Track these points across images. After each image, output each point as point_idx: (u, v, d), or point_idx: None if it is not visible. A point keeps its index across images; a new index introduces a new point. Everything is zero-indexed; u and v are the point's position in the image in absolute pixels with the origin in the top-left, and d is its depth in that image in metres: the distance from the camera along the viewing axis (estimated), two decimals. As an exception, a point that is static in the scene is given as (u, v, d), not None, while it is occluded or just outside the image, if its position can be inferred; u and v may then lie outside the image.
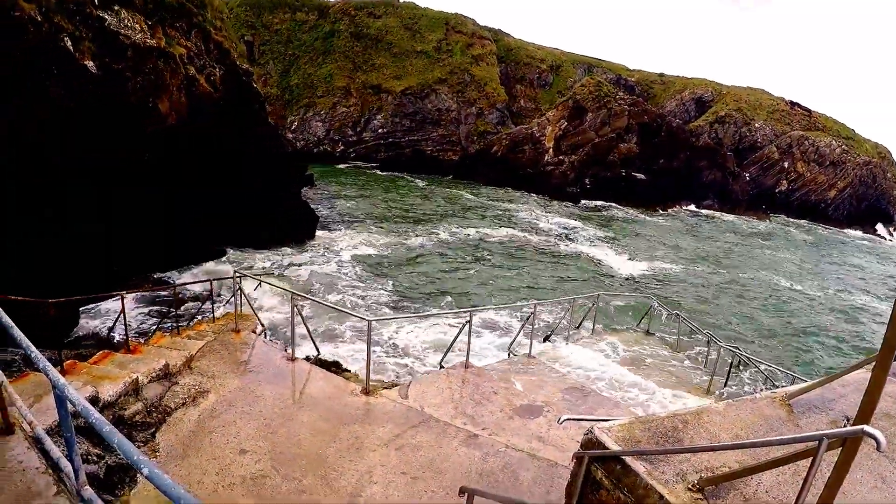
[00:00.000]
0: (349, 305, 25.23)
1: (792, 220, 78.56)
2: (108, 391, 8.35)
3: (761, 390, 14.38)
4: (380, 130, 79.96)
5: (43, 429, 4.55)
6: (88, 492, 3.51)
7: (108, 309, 21.30)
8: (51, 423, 6.26)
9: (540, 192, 67.33)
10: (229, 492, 7.29)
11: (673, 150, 72.01)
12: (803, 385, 5.54)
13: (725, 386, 16.25)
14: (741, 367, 19.00)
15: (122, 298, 12.06)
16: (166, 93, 27.54)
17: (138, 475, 7.31)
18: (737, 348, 17.15)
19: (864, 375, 5.29)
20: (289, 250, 33.56)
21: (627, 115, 70.13)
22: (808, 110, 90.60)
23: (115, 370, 9.39)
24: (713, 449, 4.20)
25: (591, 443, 4.57)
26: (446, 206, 54.87)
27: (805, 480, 3.09)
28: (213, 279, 15.67)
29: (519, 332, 16.56)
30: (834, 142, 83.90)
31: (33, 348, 3.54)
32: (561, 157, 70.17)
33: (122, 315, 11.99)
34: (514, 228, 47.82)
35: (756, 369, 18.52)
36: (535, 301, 17.59)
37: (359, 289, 28.69)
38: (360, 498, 7.43)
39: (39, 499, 4.34)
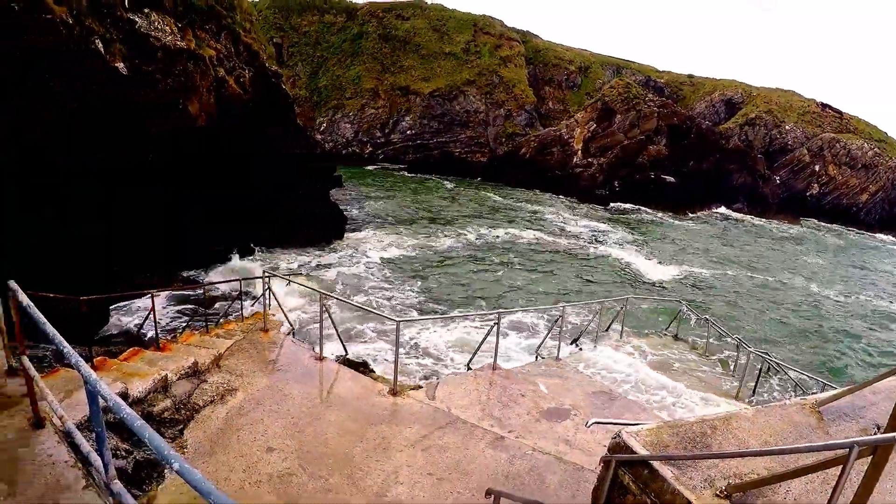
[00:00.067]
0: (375, 306, 25.26)
1: (823, 224, 77.10)
2: (137, 388, 8.42)
3: (791, 397, 14.23)
4: (408, 132, 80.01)
5: (73, 423, 4.54)
6: (117, 486, 3.51)
7: (139, 307, 21.51)
8: (80, 418, 6.32)
9: (568, 195, 66.94)
10: (256, 489, 7.32)
11: (702, 153, 71.29)
12: (833, 392, 5.46)
13: (754, 392, 16.06)
14: (770, 373, 18.79)
15: (153, 297, 12.19)
16: (196, 94, 27.79)
17: (166, 471, 7.43)
18: (766, 354, 16.91)
19: (895, 383, 5.19)
20: (317, 250, 33.73)
21: (657, 117, 69.54)
22: (840, 112, 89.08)
23: (144, 367, 9.47)
24: (742, 455, 4.18)
25: (618, 447, 4.55)
26: (474, 207, 54.81)
27: (834, 489, 3.04)
28: (242, 279, 15.75)
29: (547, 334, 16.36)
30: (866, 144, 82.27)
31: (65, 344, 3.56)
32: (590, 160, 69.78)
33: (151, 313, 12.14)
34: (542, 231, 47.64)
35: (785, 376, 18.28)
36: (564, 303, 17.48)
37: (386, 290, 28.75)
38: (386, 498, 7.43)
39: (68, 492, 4.38)
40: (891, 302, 41.98)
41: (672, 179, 69.48)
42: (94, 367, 9.75)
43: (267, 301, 13.35)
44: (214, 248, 28.11)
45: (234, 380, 10.17)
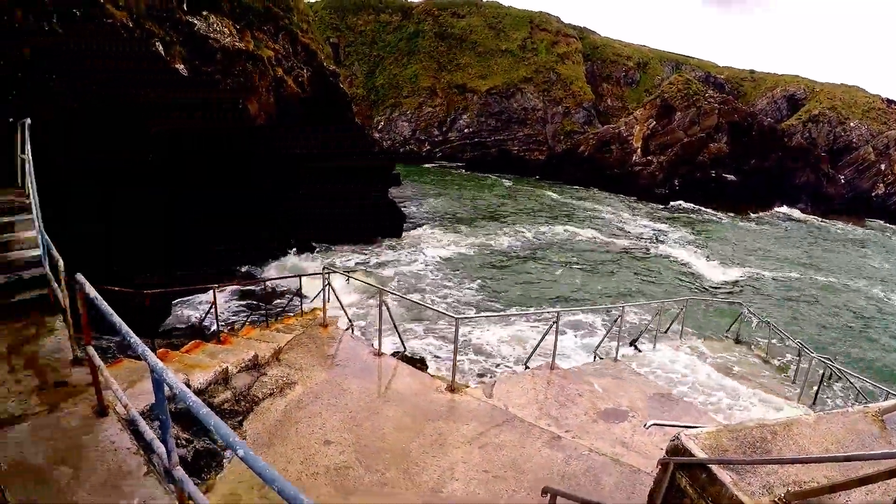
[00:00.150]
0: (431, 303, 25.27)
1: (889, 225, 74.06)
2: (198, 379, 8.55)
3: (853, 404, 13.84)
4: (465, 130, 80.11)
5: (137, 412, 4.61)
6: (179, 472, 3.57)
7: (200, 301, 21.94)
8: (143, 408, 6.43)
9: (627, 193, 66.15)
10: (313, 481, 7.36)
11: (764, 151, 69.54)
12: (898, 400, 5.32)
13: (816, 398, 15.56)
14: (833, 380, 18.20)
15: (214, 292, 12.38)
16: (255, 94, 28.25)
17: (225, 460, 7.56)
18: (829, 360, 16.35)
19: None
20: (375, 248, 34.00)
21: (717, 114, 68.18)
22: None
23: (205, 359, 9.61)
24: (802, 461, 4.14)
25: (677, 449, 4.51)
26: (532, 206, 54.57)
27: (896, 499, 2.92)
28: (302, 275, 15.93)
29: (605, 334, 16.14)
30: (935, 143, 79.36)
31: (132, 334, 3.61)
32: (649, 158, 68.84)
33: (213, 307, 12.34)
34: (600, 230, 47.18)
35: (848, 383, 17.67)
36: (623, 304, 17.24)
37: (443, 287, 28.81)
38: (442, 494, 7.42)
39: (130, 478, 4.48)
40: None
41: (733, 178, 68.00)
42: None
43: (326, 297, 13.39)
44: (272, 244, 28.50)
45: (294, 373, 10.26)
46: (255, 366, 10.03)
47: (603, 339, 15.98)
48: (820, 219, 69.61)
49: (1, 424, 5.22)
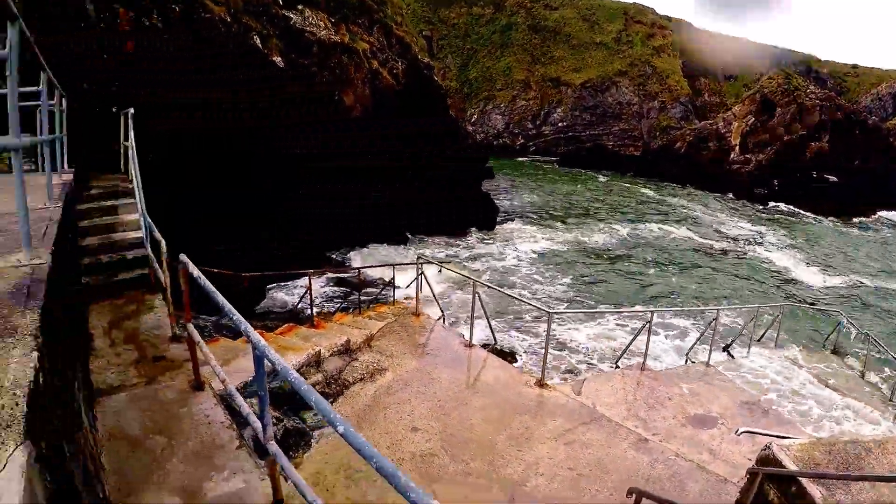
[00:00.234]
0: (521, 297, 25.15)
1: None
2: (291, 360, 8.74)
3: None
4: (559, 124, 79.46)
5: (234, 387, 4.72)
6: (273, 446, 3.66)
7: (294, 286, 22.52)
8: (237, 385, 6.55)
9: (724, 192, 63.74)
10: (398, 466, 7.31)
11: (868, 151, 65.66)
12: None
13: (915, 418, 14.73)
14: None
15: (310, 277, 12.61)
16: (351, 86, 28.64)
17: (312, 440, 7.83)
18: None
19: None
20: (467, 239, 34.03)
21: (819, 111, 65.10)
22: None
23: (298, 342, 9.83)
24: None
25: (766, 460, 4.48)
26: (627, 203, 53.53)
27: None
28: (396, 264, 16.08)
29: (699, 337, 15.67)
30: None
31: (235, 312, 3.69)
32: (747, 156, 66.43)
33: (308, 292, 12.54)
34: (695, 230, 45.80)
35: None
36: (718, 307, 16.68)
37: (534, 282, 28.61)
38: (525, 488, 7.38)
39: (222, 451, 4.64)
40: None
41: (835, 179, 64.57)
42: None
43: (419, 286, 13.43)
44: (367, 235, 28.86)
45: (384, 360, 10.39)
46: (346, 351, 10.19)
47: (696, 343, 15.48)
48: (931, 227, 65.53)
49: (100, 394, 5.44)
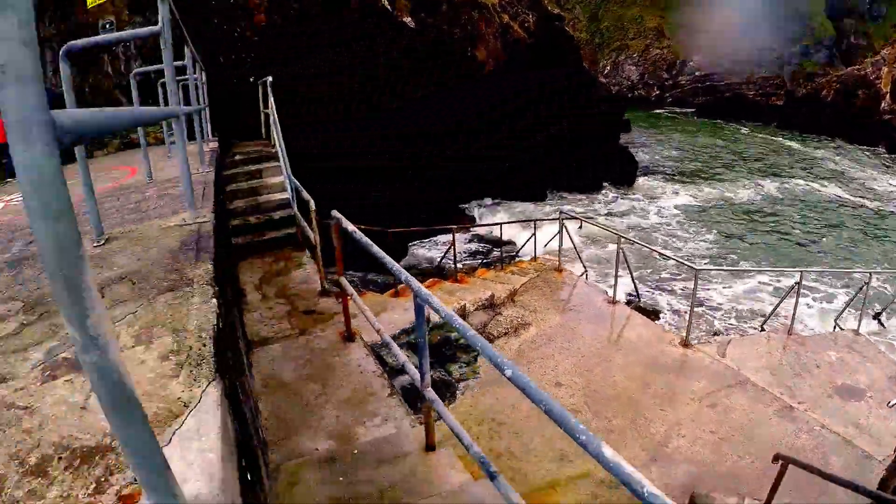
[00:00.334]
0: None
1: None
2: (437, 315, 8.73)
3: None
4: (696, 73, 76.11)
5: (389, 336, 4.85)
6: (430, 393, 3.79)
7: (436, 242, 23.20)
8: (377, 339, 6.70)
9: (875, 145, 58.67)
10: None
11: None
12: None
13: None
14: None
15: (454, 233, 12.79)
16: (482, 42, 28.44)
17: (458, 392, 8.12)
18: None
19: None
20: (608, 195, 33.32)
21: (983, 49, 59.20)
22: None
23: (443, 296, 10.07)
24: None
25: None
26: (771, 157, 50.53)
27: None
28: (537, 219, 16.02)
29: (849, 303, 14.52)
30: None
31: (394, 263, 3.80)
32: (900, 105, 61.32)
33: (451, 248, 12.73)
34: (844, 186, 42.42)
35: None
36: (869, 270, 15.53)
37: (676, 238, 27.82)
38: (666, 449, 7.38)
39: (374, 398, 4.89)
40: None
41: None
42: (397, 294, 10.43)
43: (561, 242, 13.25)
44: (507, 191, 28.83)
45: (528, 315, 10.43)
46: (490, 305, 10.33)
47: (845, 309, 14.48)
48: None
49: (254, 345, 5.76)
